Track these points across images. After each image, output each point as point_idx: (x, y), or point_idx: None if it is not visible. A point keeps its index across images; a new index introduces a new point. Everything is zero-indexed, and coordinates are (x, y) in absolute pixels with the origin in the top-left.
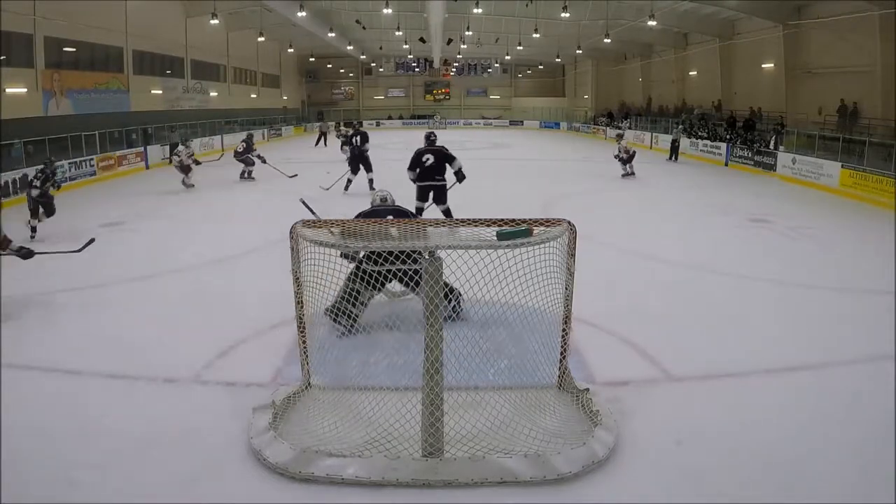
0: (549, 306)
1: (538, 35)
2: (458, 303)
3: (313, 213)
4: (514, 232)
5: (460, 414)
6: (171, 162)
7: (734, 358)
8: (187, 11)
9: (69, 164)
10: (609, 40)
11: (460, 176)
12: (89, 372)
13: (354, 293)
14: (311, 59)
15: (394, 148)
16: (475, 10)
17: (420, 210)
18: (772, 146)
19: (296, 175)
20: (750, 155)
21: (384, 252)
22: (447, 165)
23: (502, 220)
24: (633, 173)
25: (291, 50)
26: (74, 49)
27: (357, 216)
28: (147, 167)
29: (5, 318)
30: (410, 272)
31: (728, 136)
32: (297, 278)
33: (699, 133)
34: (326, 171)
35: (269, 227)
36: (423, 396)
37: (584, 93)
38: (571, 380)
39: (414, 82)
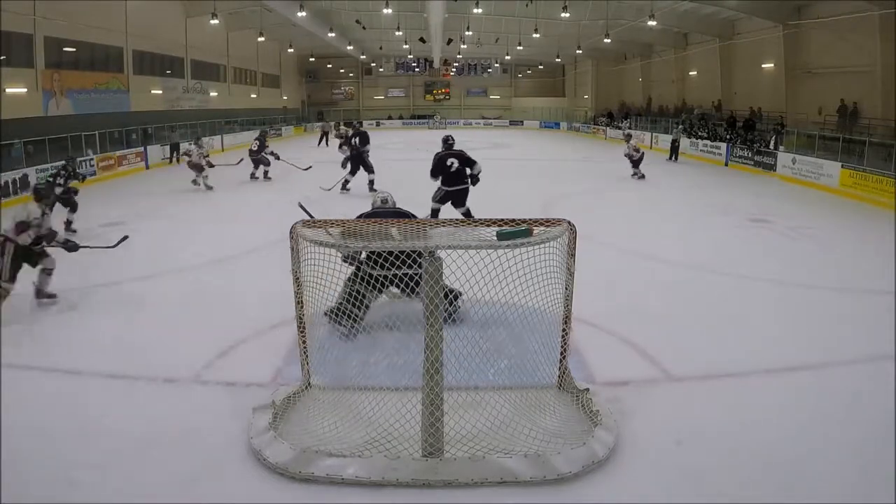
0: (549, 306)
1: (538, 35)
2: (455, 306)
3: (311, 216)
4: (514, 232)
5: (460, 414)
6: (171, 161)
7: (734, 358)
8: (187, 11)
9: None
10: (609, 40)
11: (475, 180)
12: (89, 372)
13: (358, 295)
14: (311, 59)
15: (394, 148)
16: (475, 10)
17: (436, 212)
18: (772, 146)
19: (310, 167)
20: (750, 155)
21: (384, 253)
22: (467, 168)
23: (502, 220)
24: (643, 176)
25: (291, 50)
26: (74, 49)
27: (358, 218)
28: (147, 167)
29: (6, 317)
30: (406, 278)
31: (728, 136)
32: (297, 278)
33: (699, 133)
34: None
35: (269, 228)
36: (423, 396)
37: (584, 93)
38: (571, 380)
39: (414, 82)
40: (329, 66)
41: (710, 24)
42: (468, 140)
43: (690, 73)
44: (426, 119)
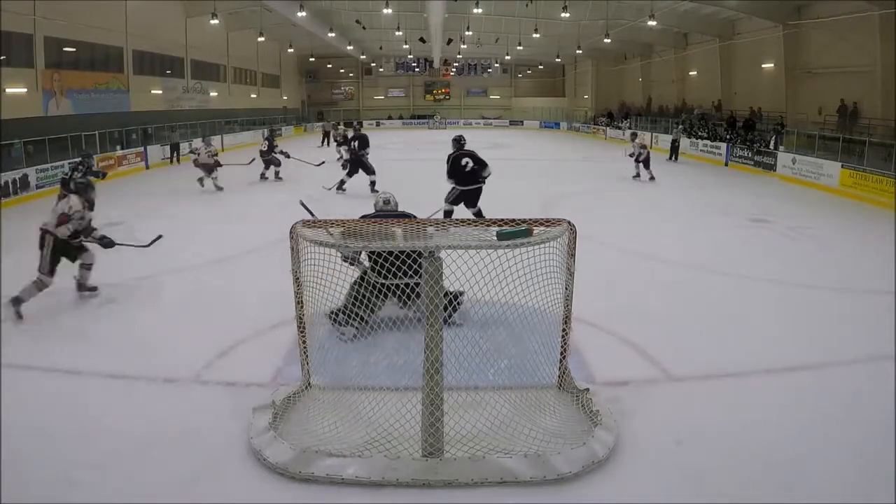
0: (549, 306)
1: (538, 35)
2: (454, 309)
3: (312, 214)
4: (514, 232)
5: (460, 414)
6: (171, 161)
7: (734, 358)
8: (187, 11)
9: (69, 164)
10: (609, 40)
11: (482, 181)
12: (89, 372)
13: (364, 299)
14: (311, 59)
15: (394, 148)
16: (475, 10)
17: (449, 213)
18: (772, 146)
19: (323, 162)
20: (750, 155)
21: (387, 263)
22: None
23: (502, 220)
24: (653, 177)
25: (291, 50)
26: (74, 49)
27: (361, 219)
28: (147, 167)
29: (6, 317)
30: (407, 288)
31: (728, 136)
32: (297, 278)
33: (699, 133)
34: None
35: (270, 228)
36: (423, 396)
37: (584, 93)
38: (571, 380)
39: (414, 82)
40: (329, 66)
41: (710, 24)
42: (468, 140)
43: (690, 73)
44: (426, 119)
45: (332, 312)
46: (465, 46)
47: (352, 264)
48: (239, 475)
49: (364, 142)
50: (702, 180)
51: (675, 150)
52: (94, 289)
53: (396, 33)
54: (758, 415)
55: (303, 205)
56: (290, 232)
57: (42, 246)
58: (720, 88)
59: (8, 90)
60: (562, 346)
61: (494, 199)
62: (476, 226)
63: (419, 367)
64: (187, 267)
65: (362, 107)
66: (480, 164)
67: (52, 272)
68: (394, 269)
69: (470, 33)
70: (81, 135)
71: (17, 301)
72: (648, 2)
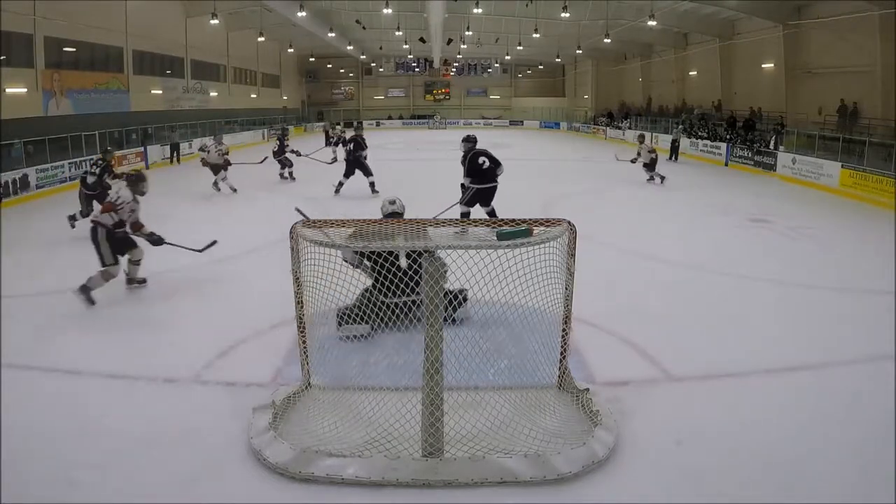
0: (549, 306)
1: (538, 35)
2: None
3: (307, 218)
4: (514, 232)
5: (460, 414)
6: (171, 161)
7: (734, 358)
8: (187, 11)
9: (69, 164)
10: (609, 40)
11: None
12: (89, 372)
13: (379, 303)
14: (311, 59)
15: (394, 148)
16: (475, 10)
17: (467, 215)
18: (772, 146)
19: (335, 160)
20: (750, 155)
21: (392, 286)
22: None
23: (502, 220)
24: (664, 178)
25: (291, 50)
26: (74, 49)
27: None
28: (147, 167)
29: (5, 317)
30: (413, 304)
31: (728, 136)
32: (297, 278)
33: (699, 133)
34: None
35: (270, 227)
36: (423, 396)
37: (584, 93)
38: (571, 380)
39: (414, 82)
40: (329, 66)
41: (710, 24)
42: None
43: (690, 73)
44: (426, 119)
45: (339, 314)
46: (465, 46)
47: (357, 266)
48: (239, 475)
49: (359, 144)
50: (702, 180)
51: (675, 150)
52: (143, 281)
53: (396, 33)
54: (758, 415)
55: (298, 211)
56: (290, 232)
57: (94, 239)
58: (720, 88)
59: (8, 90)
60: (562, 346)
61: (495, 199)
62: (476, 225)
63: (419, 367)
64: (187, 267)
65: (362, 107)
66: (494, 163)
67: (116, 261)
68: (395, 288)
69: (470, 33)
70: (81, 135)
71: (84, 289)
72: (648, 2)
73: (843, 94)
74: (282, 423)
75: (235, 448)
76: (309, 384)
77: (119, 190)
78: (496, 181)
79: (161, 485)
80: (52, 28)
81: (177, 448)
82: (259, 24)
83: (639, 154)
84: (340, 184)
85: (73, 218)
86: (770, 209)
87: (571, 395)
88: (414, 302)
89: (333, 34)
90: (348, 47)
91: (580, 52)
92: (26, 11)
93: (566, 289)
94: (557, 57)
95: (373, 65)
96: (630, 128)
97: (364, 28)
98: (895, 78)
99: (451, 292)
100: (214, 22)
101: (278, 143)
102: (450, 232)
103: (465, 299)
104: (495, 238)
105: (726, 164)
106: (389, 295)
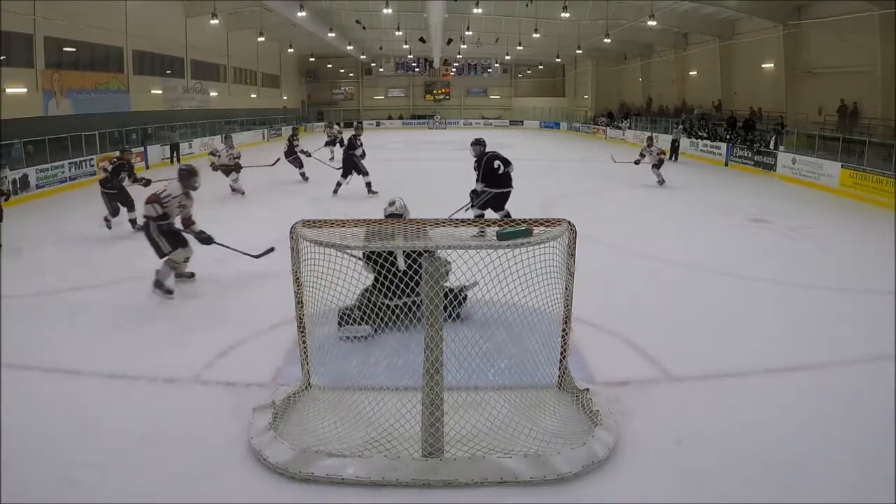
0: (549, 306)
1: (538, 35)
2: (459, 304)
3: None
4: (514, 232)
5: (460, 414)
6: (171, 161)
7: (734, 358)
8: (187, 11)
9: (69, 164)
10: (609, 40)
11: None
12: (89, 372)
13: (379, 304)
14: (311, 59)
15: (393, 148)
16: (475, 10)
17: (479, 217)
18: (772, 146)
19: (332, 159)
20: (750, 155)
21: (392, 286)
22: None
23: (503, 220)
24: (663, 181)
25: (291, 50)
26: (74, 49)
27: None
28: (147, 167)
29: (6, 317)
30: (413, 305)
31: (728, 136)
32: (297, 278)
33: (699, 133)
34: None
35: (270, 227)
36: (423, 396)
37: (584, 93)
38: (571, 380)
39: (414, 82)
40: (329, 66)
41: (710, 24)
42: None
43: (690, 73)
44: (426, 119)
45: (340, 314)
46: (465, 46)
47: (372, 270)
48: (239, 475)
49: (351, 144)
50: (702, 180)
51: (675, 150)
52: (192, 275)
53: (396, 33)
54: (758, 415)
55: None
56: (290, 232)
57: (147, 233)
58: (720, 88)
59: (8, 90)
60: (562, 346)
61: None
62: (475, 225)
63: (419, 367)
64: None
65: (362, 107)
66: (506, 163)
67: (174, 248)
68: (395, 289)
69: (470, 33)
70: (81, 135)
71: (157, 283)
72: (648, 2)
73: (843, 94)
74: (282, 423)
75: (235, 448)
76: (309, 384)
77: (171, 183)
78: (511, 185)
79: (161, 485)
80: (52, 28)
81: (177, 448)
82: (259, 24)
83: (642, 155)
84: (339, 184)
85: (106, 220)
86: (770, 209)
87: (571, 395)
88: (414, 303)
89: (333, 34)
90: (348, 47)
91: (580, 52)
92: (26, 11)
93: (566, 289)
94: (557, 57)
95: (373, 65)
96: (630, 128)
97: (364, 28)
98: (895, 78)
99: (451, 290)
100: (214, 22)
101: (288, 144)
102: (469, 233)
103: (464, 299)
104: (495, 238)
105: (726, 164)
106: (389, 296)
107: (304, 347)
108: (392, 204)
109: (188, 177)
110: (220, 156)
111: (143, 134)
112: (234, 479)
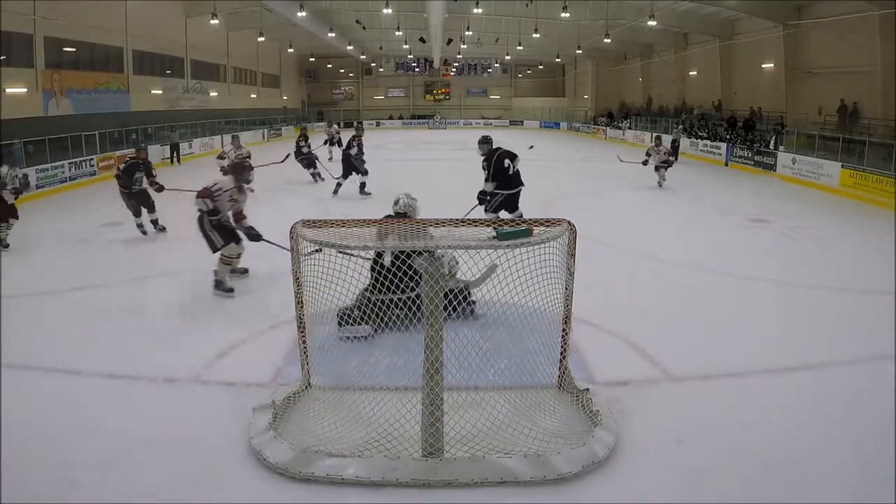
0: (549, 306)
1: (538, 35)
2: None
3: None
4: (514, 232)
5: (460, 414)
6: (171, 161)
7: (734, 358)
8: (187, 11)
9: (69, 164)
10: (609, 40)
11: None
12: (89, 372)
13: (374, 301)
14: (311, 59)
15: (393, 148)
16: (475, 10)
17: None
18: (772, 146)
19: (331, 159)
20: (750, 155)
21: (386, 282)
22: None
23: (503, 220)
24: (661, 182)
25: (291, 50)
26: (74, 49)
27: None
28: None
29: (6, 317)
30: (411, 302)
31: (728, 136)
32: (297, 278)
33: (699, 133)
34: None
35: (270, 227)
36: (423, 396)
37: (584, 93)
38: (571, 380)
39: (414, 82)
40: (329, 66)
41: (710, 24)
42: (469, 140)
43: (690, 73)
44: (426, 119)
45: (340, 314)
46: (465, 46)
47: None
48: (239, 475)
49: (348, 144)
50: (702, 180)
51: (675, 150)
52: (245, 271)
53: (396, 33)
54: (758, 415)
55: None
56: (290, 232)
57: (200, 227)
58: (720, 88)
59: (8, 90)
60: (562, 346)
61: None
62: (476, 225)
63: (419, 367)
64: (187, 267)
65: (362, 107)
66: (512, 158)
67: (227, 242)
68: (390, 285)
69: (470, 33)
70: (81, 135)
71: (217, 284)
72: (648, 2)
73: (843, 94)
74: (282, 423)
75: (235, 448)
76: (309, 384)
77: (220, 179)
78: (522, 183)
79: (161, 485)
80: (52, 28)
81: (177, 448)
82: (259, 24)
83: (648, 155)
84: (339, 185)
85: (139, 226)
86: (770, 209)
87: (571, 395)
88: (409, 298)
89: (333, 34)
90: (348, 47)
91: (580, 52)
92: (26, 11)
93: (566, 289)
94: (557, 57)
95: (373, 65)
96: (630, 128)
97: (364, 28)
98: (895, 78)
99: (453, 290)
100: (214, 22)
101: (295, 145)
102: (484, 234)
103: (465, 298)
104: (495, 238)
105: (726, 164)
106: (376, 292)
107: (304, 347)
108: (396, 203)
109: (241, 171)
110: (229, 157)
111: (143, 134)
112: (234, 479)
